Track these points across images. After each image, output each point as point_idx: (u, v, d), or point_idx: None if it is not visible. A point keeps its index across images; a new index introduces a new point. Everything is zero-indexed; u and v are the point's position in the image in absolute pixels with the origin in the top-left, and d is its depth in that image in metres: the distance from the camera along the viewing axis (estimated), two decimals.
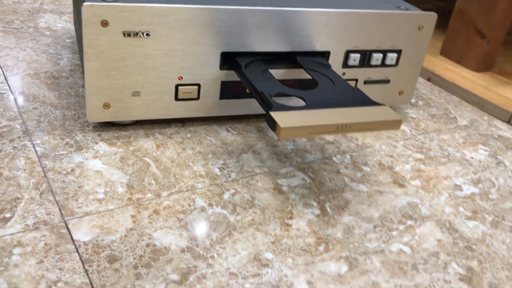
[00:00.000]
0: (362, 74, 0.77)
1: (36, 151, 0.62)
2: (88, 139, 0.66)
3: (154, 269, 0.48)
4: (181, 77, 0.67)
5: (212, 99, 0.70)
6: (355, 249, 0.54)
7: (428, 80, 0.99)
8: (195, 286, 0.47)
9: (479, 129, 0.83)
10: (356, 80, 0.77)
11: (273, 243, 0.53)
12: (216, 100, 0.71)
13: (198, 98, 0.69)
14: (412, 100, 0.90)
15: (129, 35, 0.62)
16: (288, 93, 0.61)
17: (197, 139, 0.69)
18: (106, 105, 0.65)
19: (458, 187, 0.67)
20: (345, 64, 0.75)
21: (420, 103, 0.90)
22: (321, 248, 0.54)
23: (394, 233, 0.57)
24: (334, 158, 0.70)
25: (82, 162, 0.61)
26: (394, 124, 0.58)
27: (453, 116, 0.87)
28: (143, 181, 0.60)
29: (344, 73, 0.76)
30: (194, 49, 0.66)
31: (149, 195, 0.58)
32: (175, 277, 0.48)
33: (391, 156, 0.72)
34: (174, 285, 0.47)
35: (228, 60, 0.68)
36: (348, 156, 0.71)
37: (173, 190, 0.59)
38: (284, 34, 0.69)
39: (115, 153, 0.64)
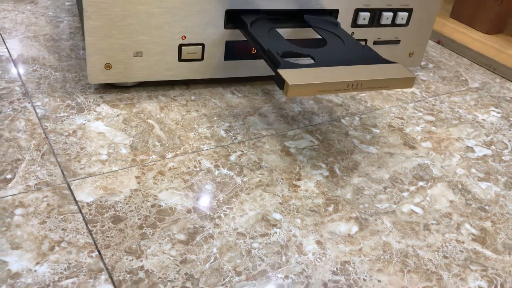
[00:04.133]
0: (372, 34, 0.75)
1: (36, 113, 0.60)
2: (90, 101, 0.64)
3: (160, 229, 0.47)
4: (185, 37, 0.65)
5: (217, 60, 0.68)
6: (365, 210, 0.53)
7: (438, 42, 0.96)
8: (202, 246, 0.46)
9: (491, 92, 0.81)
10: (366, 40, 0.75)
11: (281, 203, 0.52)
12: (220, 61, 0.68)
13: (202, 59, 0.67)
14: (422, 63, 0.87)
15: None
16: (296, 51, 0.59)
17: (202, 101, 0.67)
18: (108, 66, 0.63)
19: (470, 148, 0.66)
20: (354, 23, 0.72)
21: (430, 65, 0.87)
22: (331, 209, 0.52)
23: (405, 194, 0.56)
24: (342, 120, 0.68)
25: (84, 124, 0.60)
26: (407, 82, 0.56)
27: (464, 78, 0.84)
28: (147, 142, 0.58)
29: (353, 33, 0.73)
30: (197, 7, 0.63)
31: (154, 156, 0.56)
32: (181, 237, 0.47)
33: (401, 118, 0.70)
34: (180, 245, 0.46)
35: (233, 18, 0.66)
36: (357, 118, 0.69)
37: (178, 152, 0.57)
38: None
39: (118, 115, 0.62)
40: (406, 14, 0.74)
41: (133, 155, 0.56)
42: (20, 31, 0.79)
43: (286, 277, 0.44)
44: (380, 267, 0.46)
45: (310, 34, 0.70)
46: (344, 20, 0.72)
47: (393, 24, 0.75)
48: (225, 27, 0.66)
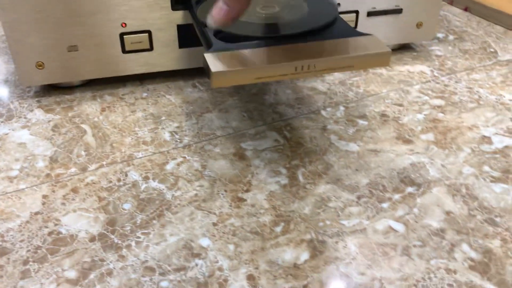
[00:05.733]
0: (364, 3, 0.61)
1: None
2: (23, 107, 0.56)
3: (49, 264, 0.37)
4: (125, 24, 0.55)
5: (170, 49, 0.58)
6: (325, 229, 0.40)
7: (465, 10, 0.80)
8: (94, 287, 0.36)
9: None
10: (357, 12, 0.61)
11: (214, 224, 0.41)
12: (175, 50, 0.58)
13: (151, 48, 0.57)
14: (440, 35, 0.72)
15: None
16: (241, 34, 0.46)
17: (154, 98, 0.57)
18: (40, 65, 0.55)
19: (486, 139, 0.51)
20: None
21: (451, 37, 0.71)
22: (279, 229, 0.41)
23: (385, 205, 0.43)
24: (322, 112, 0.55)
25: (6, 134, 0.51)
26: (379, 59, 0.43)
27: (492, 50, 0.68)
28: (71, 152, 0.49)
29: (339, 4, 0.60)
30: None
31: (73, 169, 0.47)
32: (72, 274, 0.37)
33: (400, 105, 0.56)
34: (67, 286, 0.36)
35: None
36: (341, 108, 0.56)
37: (104, 162, 0.47)
38: None
39: (49, 121, 0.53)
40: None
41: (50, 168, 0.47)
42: None
43: None
44: None
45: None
46: None
47: None
48: (173, 9, 0.55)
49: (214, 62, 0.40)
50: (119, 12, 0.54)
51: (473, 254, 0.38)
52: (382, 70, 0.63)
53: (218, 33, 0.46)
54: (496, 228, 0.41)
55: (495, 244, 0.39)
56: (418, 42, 0.69)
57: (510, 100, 0.57)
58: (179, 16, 0.56)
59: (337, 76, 0.62)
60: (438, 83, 0.60)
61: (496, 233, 0.40)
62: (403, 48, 0.68)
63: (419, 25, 0.64)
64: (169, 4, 0.55)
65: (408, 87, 0.59)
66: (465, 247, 0.39)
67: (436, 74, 0.62)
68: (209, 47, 0.44)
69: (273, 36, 0.46)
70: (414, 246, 0.39)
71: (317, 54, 0.41)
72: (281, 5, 0.50)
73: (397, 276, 0.37)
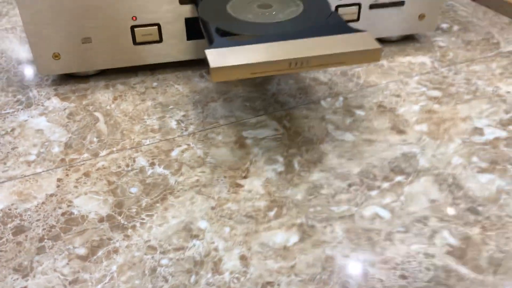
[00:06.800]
0: None
1: None
2: (41, 95, 0.60)
3: (62, 241, 0.41)
4: (135, 17, 0.58)
5: (179, 41, 0.61)
6: (315, 215, 0.43)
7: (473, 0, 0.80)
8: (102, 263, 0.40)
9: None
10: (359, 5, 0.63)
11: (213, 208, 0.44)
12: (183, 42, 0.61)
13: (161, 40, 0.60)
14: (444, 25, 0.73)
15: None
16: (238, 32, 0.49)
17: (163, 88, 0.60)
18: (56, 56, 0.58)
19: (478, 130, 0.53)
20: None
21: (455, 27, 0.73)
22: (272, 213, 0.44)
23: (374, 192, 0.45)
24: (322, 102, 0.58)
25: (26, 121, 0.55)
26: (370, 55, 0.45)
27: (495, 41, 0.69)
28: (85, 139, 0.52)
29: None
30: None
31: (86, 155, 0.50)
32: (82, 251, 0.41)
33: (398, 96, 0.58)
34: (77, 261, 0.40)
35: None
36: (341, 98, 0.58)
37: (114, 149, 0.51)
38: None
39: (65, 109, 0.57)
40: None
41: (65, 154, 0.51)
42: (0, 22, 0.76)
43: None
44: None
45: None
46: None
47: None
48: (181, 3, 0.58)
49: (213, 58, 0.43)
50: (130, 6, 0.57)
51: (452, 241, 0.41)
52: (383, 61, 0.65)
53: (219, 30, 0.48)
54: (477, 216, 0.43)
55: (474, 231, 0.42)
56: (423, 34, 0.70)
57: (507, 92, 0.59)
58: (186, 10, 0.59)
59: (340, 67, 0.64)
60: (437, 74, 0.62)
61: (477, 221, 0.43)
62: (406, 39, 0.69)
63: (421, 16, 0.66)
64: None
65: (407, 78, 0.61)
66: (445, 233, 0.42)
67: (436, 66, 0.64)
68: (210, 43, 0.47)
69: (270, 33, 0.48)
70: (398, 232, 0.42)
71: (310, 51, 0.44)
72: (277, 3, 0.53)
73: (379, 259, 0.40)
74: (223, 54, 0.44)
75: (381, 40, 0.69)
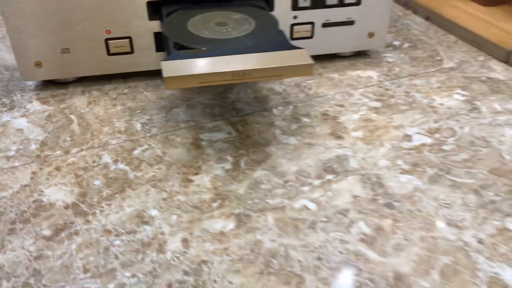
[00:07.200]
0: (319, 16, 0.70)
1: None
2: (24, 99, 0.66)
3: (31, 224, 0.48)
4: (109, 31, 0.65)
5: (148, 52, 0.68)
6: (252, 206, 0.50)
7: (427, 19, 0.88)
8: (64, 242, 0.46)
9: (466, 71, 0.73)
10: (313, 24, 0.70)
11: (164, 199, 0.51)
12: (152, 53, 0.68)
13: (132, 51, 0.67)
14: (397, 42, 0.80)
15: None
16: (193, 47, 0.56)
17: (133, 94, 0.67)
18: (38, 64, 0.65)
19: (407, 137, 0.59)
20: (295, 6, 0.68)
21: (406, 45, 0.80)
22: (215, 204, 0.50)
23: (305, 188, 0.52)
24: (274, 110, 0.64)
25: (8, 121, 0.62)
26: (304, 69, 0.52)
27: (439, 58, 0.76)
28: (59, 138, 0.59)
29: (296, 17, 0.69)
30: (118, 1, 0.63)
31: (59, 152, 0.57)
32: (47, 232, 0.47)
33: (341, 106, 0.65)
34: (42, 241, 0.46)
35: (158, 9, 0.65)
36: (291, 107, 0.65)
37: (84, 147, 0.58)
38: None
39: (44, 111, 0.64)
40: None
41: (40, 151, 0.57)
42: None
43: (133, 276, 0.43)
44: (239, 268, 0.44)
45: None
46: (284, 4, 0.68)
47: (342, 4, 0.69)
48: (149, 19, 0.65)
49: (167, 69, 0.50)
50: (104, 21, 0.64)
51: (366, 230, 0.48)
52: (335, 74, 0.72)
53: (177, 44, 0.56)
54: (392, 210, 0.50)
55: (386, 223, 0.48)
56: (374, 50, 0.77)
57: (440, 104, 0.65)
58: (155, 25, 0.66)
59: (294, 78, 0.71)
60: (381, 87, 0.69)
61: (390, 214, 0.49)
62: (358, 54, 0.76)
63: (370, 35, 0.73)
64: (146, 15, 0.65)
65: (353, 90, 0.68)
66: (361, 224, 0.48)
67: (382, 79, 0.71)
68: (168, 55, 0.54)
69: (222, 48, 0.55)
70: (321, 221, 0.48)
71: (251, 65, 0.51)
72: (232, 21, 0.60)
73: (300, 244, 0.46)
74: (176, 65, 0.51)
75: (335, 56, 0.76)
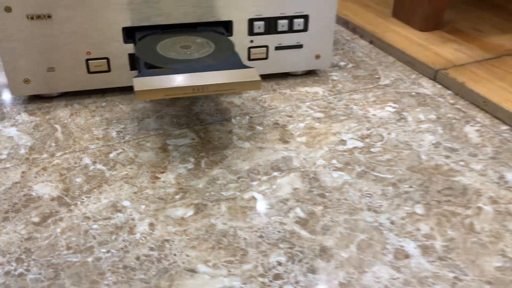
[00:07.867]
0: (272, 40, 0.81)
1: None
2: (14, 111, 0.76)
3: (22, 214, 0.57)
4: (90, 52, 0.75)
5: (123, 71, 0.78)
6: (209, 197, 0.60)
7: (370, 42, 1.00)
8: (50, 227, 0.56)
9: (399, 88, 0.85)
10: (267, 47, 0.82)
11: (135, 193, 0.61)
12: (127, 71, 0.78)
13: (109, 70, 0.77)
14: (342, 63, 0.92)
15: (32, 18, 0.71)
16: (161, 66, 0.67)
17: (110, 107, 0.77)
18: (26, 81, 0.75)
19: (342, 142, 0.71)
20: (251, 32, 0.80)
21: (350, 65, 0.92)
22: (178, 196, 0.60)
23: (255, 183, 0.63)
24: (233, 120, 0.75)
25: (0, 130, 0.72)
26: (253, 85, 0.63)
27: (377, 76, 0.88)
28: (45, 144, 0.69)
29: (252, 41, 0.80)
30: (98, 26, 0.73)
31: (45, 155, 0.67)
32: (36, 219, 0.57)
33: (290, 116, 0.76)
34: (32, 226, 0.56)
35: (132, 34, 0.75)
36: (247, 117, 0.76)
37: (67, 151, 0.68)
38: (185, 6, 0.75)
39: (32, 122, 0.74)
40: (302, 20, 0.80)
41: (29, 154, 0.67)
42: None
43: (108, 251, 0.53)
44: (195, 245, 0.54)
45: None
46: (241, 30, 0.79)
47: (291, 30, 0.81)
48: (125, 42, 0.76)
49: (137, 84, 0.60)
50: (85, 43, 0.74)
51: (301, 214, 0.58)
52: (287, 90, 0.83)
53: (147, 64, 0.66)
54: (323, 199, 0.60)
55: (318, 209, 0.59)
56: (321, 70, 0.89)
57: (373, 114, 0.77)
58: (129, 48, 0.76)
59: (252, 93, 0.82)
60: (325, 101, 0.80)
61: (322, 202, 0.60)
62: (308, 73, 0.88)
63: (317, 56, 0.85)
64: (122, 39, 0.75)
65: (301, 104, 0.79)
66: (298, 210, 0.59)
67: (326, 94, 0.82)
68: (139, 73, 0.64)
69: (185, 67, 0.66)
70: (265, 208, 0.59)
71: (208, 80, 0.62)
72: (195, 44, 0.71)
73: (246, 226, 0.56)
74: (145, 81, 0.61)
75: (288, 74, 0.87)
